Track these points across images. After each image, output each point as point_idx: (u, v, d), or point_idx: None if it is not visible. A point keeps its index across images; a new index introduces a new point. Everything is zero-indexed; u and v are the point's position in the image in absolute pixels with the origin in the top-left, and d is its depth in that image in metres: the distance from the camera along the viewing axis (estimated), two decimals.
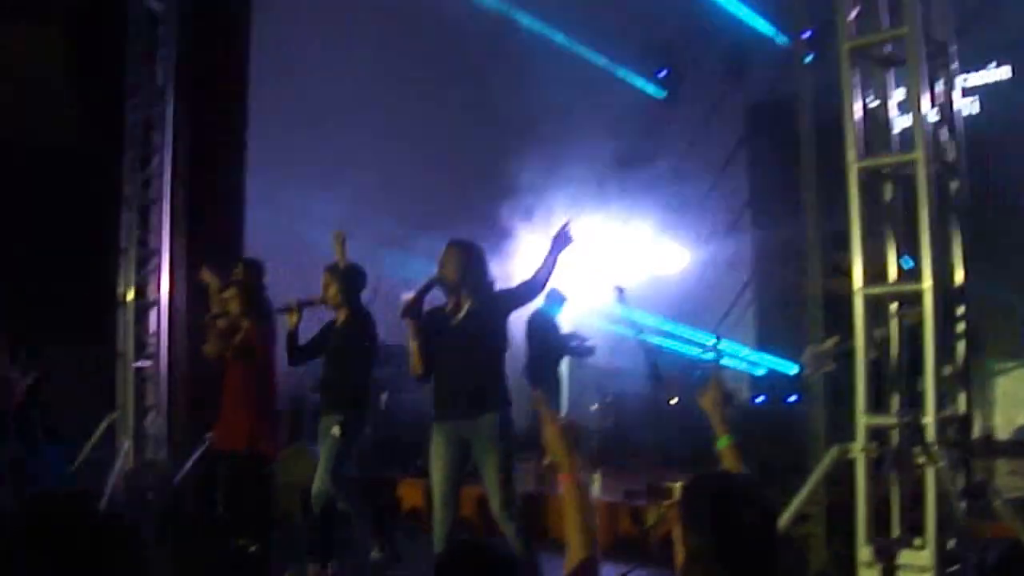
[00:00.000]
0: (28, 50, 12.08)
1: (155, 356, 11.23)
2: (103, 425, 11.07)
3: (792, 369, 13.14)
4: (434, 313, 7.17)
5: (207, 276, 9.07)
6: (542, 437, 3.62)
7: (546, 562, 7.02)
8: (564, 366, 14.27)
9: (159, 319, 11.31)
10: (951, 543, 5.71)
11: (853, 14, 6.07)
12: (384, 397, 13.32)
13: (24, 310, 11.60)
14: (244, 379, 8.66)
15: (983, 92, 13.76)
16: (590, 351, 13.64)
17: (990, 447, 12.24)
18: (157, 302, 11.28)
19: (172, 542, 9.45)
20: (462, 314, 7.05)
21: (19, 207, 12.32)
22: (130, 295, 11.22)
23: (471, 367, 6.93)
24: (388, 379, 13.11)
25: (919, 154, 5.71)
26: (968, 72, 13.69)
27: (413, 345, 7.07)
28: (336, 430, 8.10)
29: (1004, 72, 13.90)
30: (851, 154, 5.94)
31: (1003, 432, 12.38)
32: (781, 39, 13.93)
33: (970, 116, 13.81)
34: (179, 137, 11.43)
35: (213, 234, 11.52)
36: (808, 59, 10.47)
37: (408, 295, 7.19)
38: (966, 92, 13.95)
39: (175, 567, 8.60)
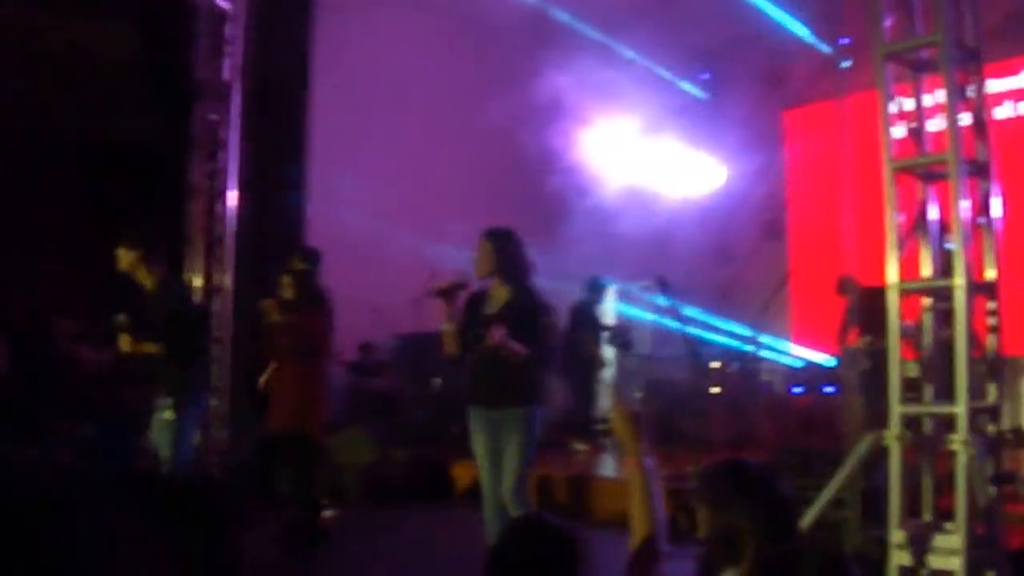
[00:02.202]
0: (101, 48, 12.36)
1: (220, 340, 11.59)
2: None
3: (828, 362, 13.35)
4: (475, 299, 7.25)
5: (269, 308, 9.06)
6: (612, 422, 3.71)
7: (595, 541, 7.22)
8: (609, 354, 14.53)
9: (223, 305, 11.66)
10: (980, 528, 5.82)
11: (888, 21, 6.31)
12: (437, 382, 13.65)
13: (96, 295, 11.96)
14: (295, 363, 8.85)
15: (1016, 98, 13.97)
16: (629, 345, 13.84)
17: (1020, 438, 12.41)
18: (222, 289, 11.62)
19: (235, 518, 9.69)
20: (500, 304, 7.12)
21: (92, 200, 12.73)
22: (197, 282, 11.56)
23: (504, 360, 6.94)
24: (442, 364, 13.42)
25: (950, 154, 5.90)
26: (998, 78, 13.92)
27: (447, 326, 7.09)
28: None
29: None
30: (885, 154, 6.15)
31: None
32: (819, 44, 14.13)
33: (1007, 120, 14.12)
34: (244, 131, 11.72)
35: (276, 224, 11.81)
36: (844, 64, 10.77)
37: (438, 281, 7.31)
38: (997, 96, 14.20)
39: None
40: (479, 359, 7.15)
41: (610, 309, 13.77)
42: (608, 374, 14.58)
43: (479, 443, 7.15)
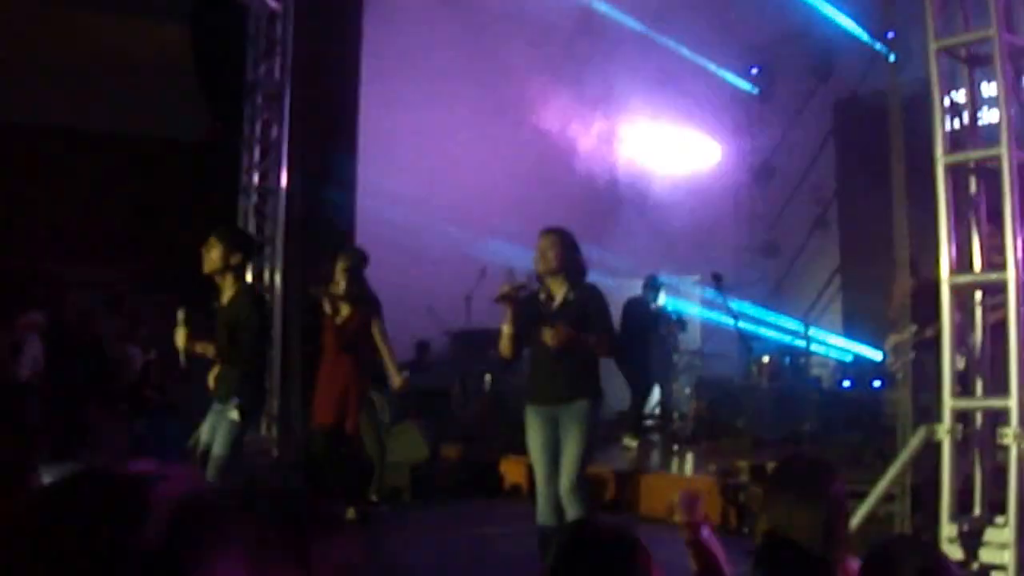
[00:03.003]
0: (153, 48, 12.51)
1: (270, 340, 11.66)
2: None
3: (878, 355, 13.31)
4: (531, 300, 7.23)
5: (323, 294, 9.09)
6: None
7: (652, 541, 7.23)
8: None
9: (274, 303, 11.74)
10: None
11: (941, 15, 6.30)
12: (488, 379, 13.71)
13: (149, 293, 12.12)
14: (339, 359, 8.89)
15: None
16: (682, 324, 13.85)
17: None
18: (273, 286, 11.70)
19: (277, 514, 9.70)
20: (559, 301, 7.14)
21: (145, 196, 12.89)
22: (247, 279, 11.58)
23: (565, 355, 6.99)
24: (492, 361, 13.49)
25: (1004, 149, 5.88)
26: None
27: (507, 329, 7.11)
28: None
29: None
30: (938, 149, 6.10)
31: None
32: (868, 39, 14.09)
33: None
34: (294, 130, 11.80)
35: (326, 222, 11.87)
36: (892, 58, 10.70)
37: (508, 283, 7.30)
38: None
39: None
40: (538, 355, 7.21)
41: (665, 305, 13.72)
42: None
43: (535, 438, 7.15)
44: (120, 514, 1.67)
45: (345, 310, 8.93)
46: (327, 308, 8.95)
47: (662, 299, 13.48)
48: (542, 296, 7.27)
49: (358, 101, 13.17)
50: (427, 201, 13.83)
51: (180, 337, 7.75)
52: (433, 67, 14.35)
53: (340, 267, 9.06)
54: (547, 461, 7.09)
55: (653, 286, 13.36)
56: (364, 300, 9.06)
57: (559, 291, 7.20)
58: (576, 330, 6.99)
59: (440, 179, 14.24)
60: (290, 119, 11.76)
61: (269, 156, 11.75)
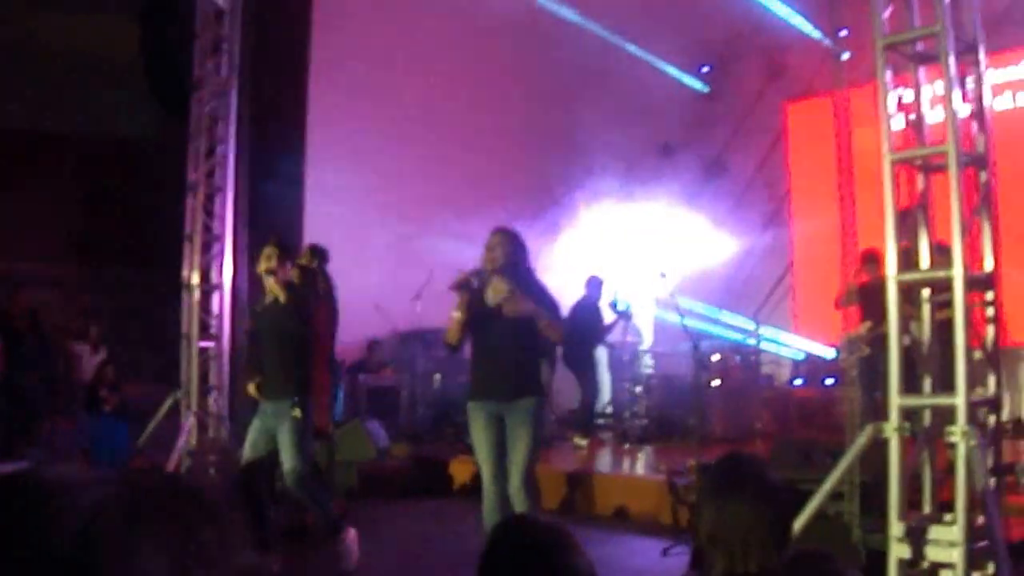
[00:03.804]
0: (98, 44, 12.41)
1: (218, 337, 11.58)
2: (168, 403, 11.42)
3: (830, 353, 13.38)
4: (474, 297, 7.24)
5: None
6: None
7: (584, 537, 7.25)
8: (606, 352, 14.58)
9: (221, 302, 11.61)
10: (979, 519, 5.80)
11: (887, 13, 6.31)
12: (438, 378, 13.67)
13: (95, 291, 12.01)
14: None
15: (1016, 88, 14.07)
16: (627, 315, 13.85)
17: (1019, 429, 12.44)
18: (220, 286, 11.58)
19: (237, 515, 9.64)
20: (503, 297, 7.13)
21: (94, 193, 12.77)
22: (195, 279, 11.48)
23: (510, 352, 7.07)
24: (442, 361, 13.44)
25: (950, 146, 5.89)
26: (999, 69, 13.98)
27: (457, 315, 7.16)
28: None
29: None
30: (885, 146, 6.14)
31: None
32: (819, 37, 14.16)
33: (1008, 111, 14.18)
34: (242, 128, 11.71)
35: (274, 220, 11.81)
36: (844, 56, 10.80)
37: (464, 272, 7.23)
38: (997, 88, 14.25)
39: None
40: (481, 353, 7.26)
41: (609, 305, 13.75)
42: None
43: (480, 436, 7.16)
44: (29, 519, 1.60)
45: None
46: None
47: (609, 297, 13.51)
48: (489, 293, 7.24)
49: (306, 98, 13.14)
50: (375, 199, 13.78)
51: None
52: (382, 65, 14.31)
53: (301, 264, 9.02)
54: (493, 460, 7.10)
55: (596, 285, 13.38)
56: (323, 296, 8.93)
57: (503, 288, 7.18)
58: (522, 328, 7.03)
59: (388, 177, 14.18)
60: (237, 116, 11.65)
61: (216, 153, 11.64)
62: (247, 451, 8.01)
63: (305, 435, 7.88)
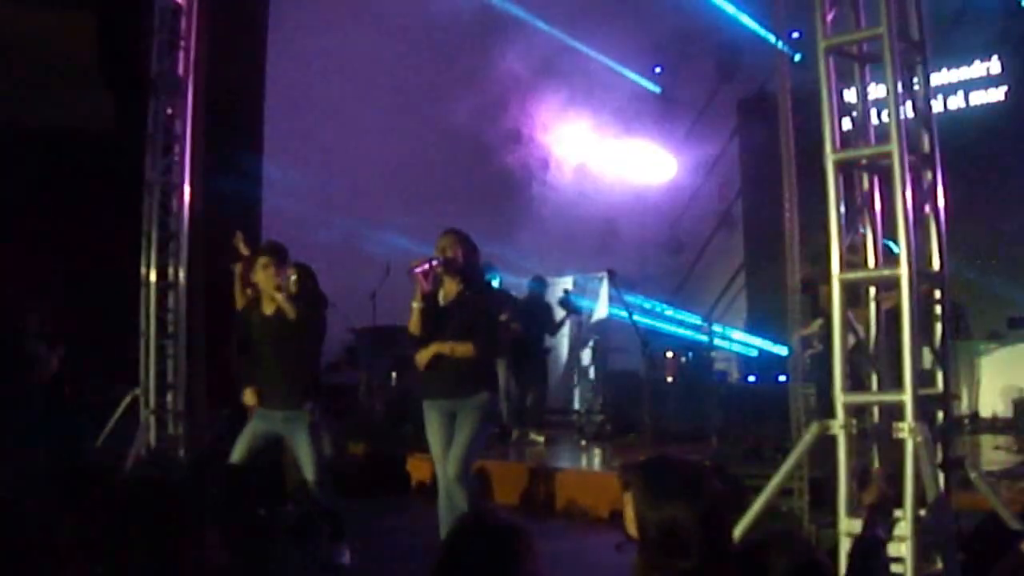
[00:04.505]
0: (58, 37, 12.34)
1: (175, 335, 11.56)
2: (126, 401, 11.40)
3: (783, 350, 13.48)
4: (429, 296, 7.32)
5: (240, 242, 8.99)
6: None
7: (540, 532, 7.33)
8: (563, 345, 14.63)
9: (178, 299, 11.58)
10: (928, 514, 5.86)
11: (830, 15, 6.37)
12: (394, 376, 13.68)
13: (51, 290, 11.93)
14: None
15: (967, 87, 14.27)
16: (578, 310, 13.90)
17: (976, 424, 12.59)
18: (177, 283, 11.58)
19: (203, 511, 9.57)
20: (455, 299, 7.30)
21: (46, 190, 12.68)
22: (152, 276, 11.48)
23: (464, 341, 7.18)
24: (398, 359, 13.44)
25: (894, 146, 5.96)
26: (951, 69, 14.17)
27: (417, 305, 7.26)
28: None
29: (981, 69, 14.41)
30: (828, 146, 6.20)
31: (987, 410, 12.75)
32: (770, 38, 14.24)
33: (959, 110, 14.35)
34: (199, 125, 11.69)
35: (231, 218, 11.75)
36: (797, 57, 10.84)
37: (419, 258, 7.30)
38: (950, 88, 14.42)
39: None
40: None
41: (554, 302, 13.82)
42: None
43: (434, 434, 7.29)
44: None
45: (291, 313, 8.69)
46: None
47: (558, 294, 13.58)
48: (440, 293, 7.37)
49: (263, 96, 13.15)
50: (332, 197, 13.80)
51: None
52: (339, 63, 14.33)
53: (291, 271, 9.01)
54: (444, 457, 7.23)
55: (539, 281, 13.44)
56: (318, 297, 8.80)
57: (454, 289, 7.33)
58: (464, 329, 7.18)
59: (346, 175, 14.20)
60: (194, 114, 11.62)
61: (173, 151, 11.61)
62: (239, 452, 8.00)
63: (319, 441, 7.98)
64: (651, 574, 3.22)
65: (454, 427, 7.20)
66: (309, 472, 7.89)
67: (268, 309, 8.06)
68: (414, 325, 7.35)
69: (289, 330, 7.89)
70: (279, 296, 7.88)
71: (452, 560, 2.94)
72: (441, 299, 7.37)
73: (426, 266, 7.22)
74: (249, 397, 8.22)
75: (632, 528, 3.27)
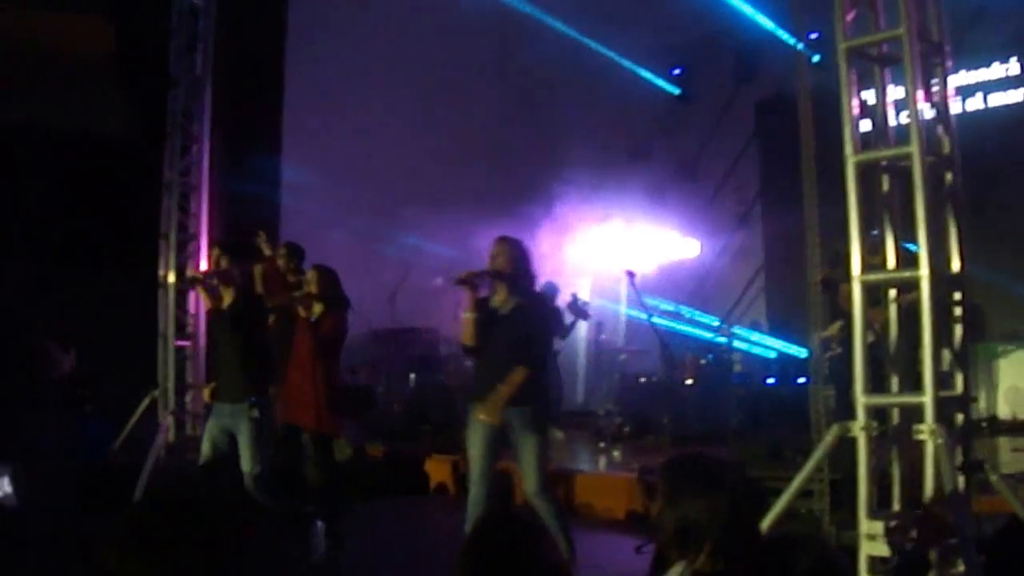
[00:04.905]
0: (76, 40, 12.38)
1: (194, 336, 11.59)
2: (145, 402, 11.44)
3: (802, 353, 13.42)
4: (481, 302, 7.36)
5: (262, 242, 9.09)
6: None
7: (578, 536, 7.40)
8: (581, 351, 14.61)
9: (197, 301, 11.55)
10: (949, 517, 5.84)
11: (850, 16, 6.35)
12: (413, 377, 13.69)
13: (68, 289, 11.97)
14: (316, 361, 8.60)
15: (985, 89, 14.21)
16: (586, 314, 13.88)
17: (994, 426, 12.53)
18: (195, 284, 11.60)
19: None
20: (510, 306, 7.28)
21: (65, 191, 12.71)
22: (171, 277, 11.51)
23: (515, 357, 7.13)
24: (417, 360, 13.46)
25: (914, 148, 5.93)
26: (969, 70, 14.10)
27: (468, 316, 7.26)
28: None
29: (1000, 71, 14.34)
30: (848, 148, 6.18)
31: (1005, 412, 12.70)
32: (789, 39, 14.20)
33: (976, 111, 14.29)
34: (217, 126, 11.73)
35: (249, 219, 11.78)
36: (816, 59, 10.80)
37: (468, 270, 7.32)
38: (969, 89, 14.36)
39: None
40: (488, 355, 7.32)
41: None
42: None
43: (477, 436, 7.22)
44: None
45: (317, 310, 8.69)
46: (300, 310, 8.75)
47: (567, 298, 13.57)
48: (494, 300, 7.39)
49: (282, 97, 13.18)
50: (351, 198, 13.81)
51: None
52: (359, 65, 14.35)
53: (282, 264, 9.05)
54: (485, 457, 7.19)
55: (551, 288, 13.42)
56: (339, 301, 8.88)
57: (505, 297, 7.33)
58: (515, 341, 7.15)
59: (365, 176, 14.22)
60: (213, 115, 11.66)
61: (191, 151, 11.65)
62: (204, 451, 8.07)
63: (262, 437, 7.96)
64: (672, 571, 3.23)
65: (496, 433, 7.17)
66: (245, 464, 7.90)
67: (224, 304, 8.16)
68: (467, 336, 7.34)
69: (230, 323, 8.06)
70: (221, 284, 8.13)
71: (475, 553, 2.93)
72: (495, 304, 7.38)
73: (473, 278, 7.25)
74: (206, 394, 8.48)
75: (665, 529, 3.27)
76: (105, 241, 12.60)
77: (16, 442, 11.26)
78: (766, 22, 14.63)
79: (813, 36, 11.99)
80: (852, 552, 6.09)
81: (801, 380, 13.28)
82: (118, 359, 12.26)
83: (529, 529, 2.96)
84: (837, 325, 9.80)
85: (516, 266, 7.31)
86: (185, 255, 11.63)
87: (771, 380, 14.75)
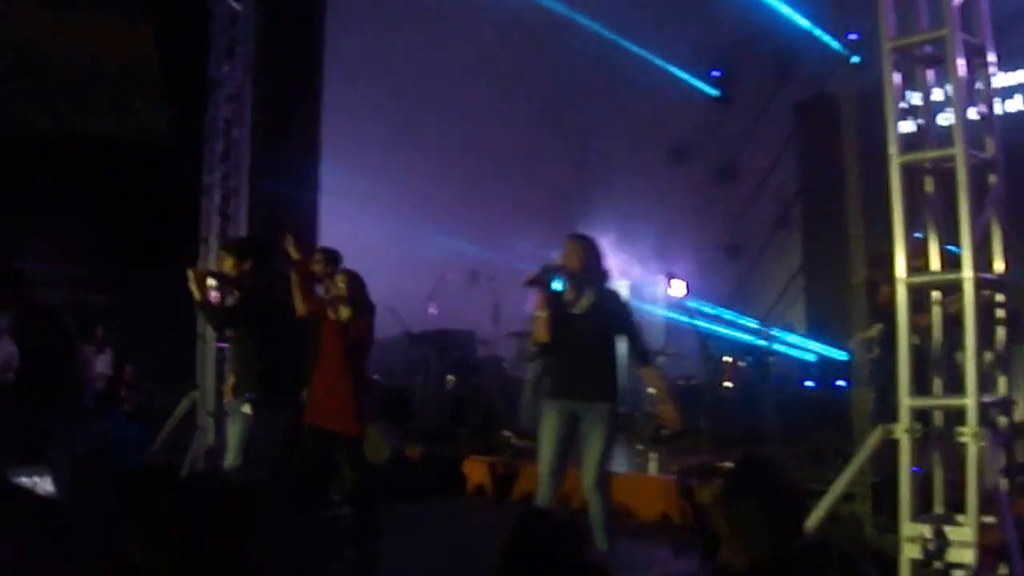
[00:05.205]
0: (114, 48, 12.48)
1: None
2: (185, 404, 11.48)
3: (841, 355, 13.37)
4: (555, 299, 7.50)
5: (290, 245, 8.88)
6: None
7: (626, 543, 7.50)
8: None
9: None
10: (991, 519, 5.81)
11: (894, 16, 6.34)
12: (451, 379, 13.71)
13: (109, 292, 12.07)
14: (344, 362, 8.61)
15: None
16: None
17: None
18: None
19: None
20: (585, 304, 7.42)
21: (106, 196, 12.81)
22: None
23: (590, 355, 7.36)
24: (454, 362, 13.48)
25: (958, 149, 5.91)
26: (1008, 71, 13.98)
27: (541, 315, 7.40)
28: None
29: None
30: (892, 149, 6.16)
31: None
32: (829, 40, 14.15)
33: (1016, 112, 14.17)
34: (257, 131, 11.79)
35: (289, 223, 11.83)
36: (854, 59, 10.80)
37: (538, 269, 7.50)
38: (1008, 91, 14.25)
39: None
40: (563, 353, 7.49)
41: None
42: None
43: (550, 431, 7.37)
44: None
45: (344, 313, 8.76)
46: (330, 312, 8.79)
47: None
48: (568, 296, 7.51)
49: (320, 101, 13.23)
50: (388, 201, 13.85)
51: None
52: (396, 68, 14.41)
53: (318, 269, 9.13)
54: (557, 453, 7.34)
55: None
56: (367, 303, 8.91)
57: (583, 294, 7.46)
58: (602, 332, 7.37)
59: (402, 179, 14.26)
60: (252, 119, 11.71)
61: (231, 156, 11.70)
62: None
63: (252, 433, 8.11)
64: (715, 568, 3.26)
65: (572, 430, 7.33)
66: (228, 456, 8.12)
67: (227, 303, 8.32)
68: (541, 333, 7.48)
69: (237, 322, 8.34)
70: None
71: (517, 550, 3.00)
72: (574, 305, 7.49)
73: (542, 276, 7.43)
74: (226, 391, 8.70)
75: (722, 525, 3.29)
76: (146, 245, 12.69)
77: (53, 443, 11.37)
78: (805, 23, 14.57)
79: (852, 37, 12.05)
80: (892, 556, 6.07)
81: (840, 383, 13.26)
82: (159, 361, 12.34)
83: (571, 528, 3.03)
84: (877, 328, 9.76)
85: (587, 264, 7.45)
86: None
87: (810, 383, 14.68)
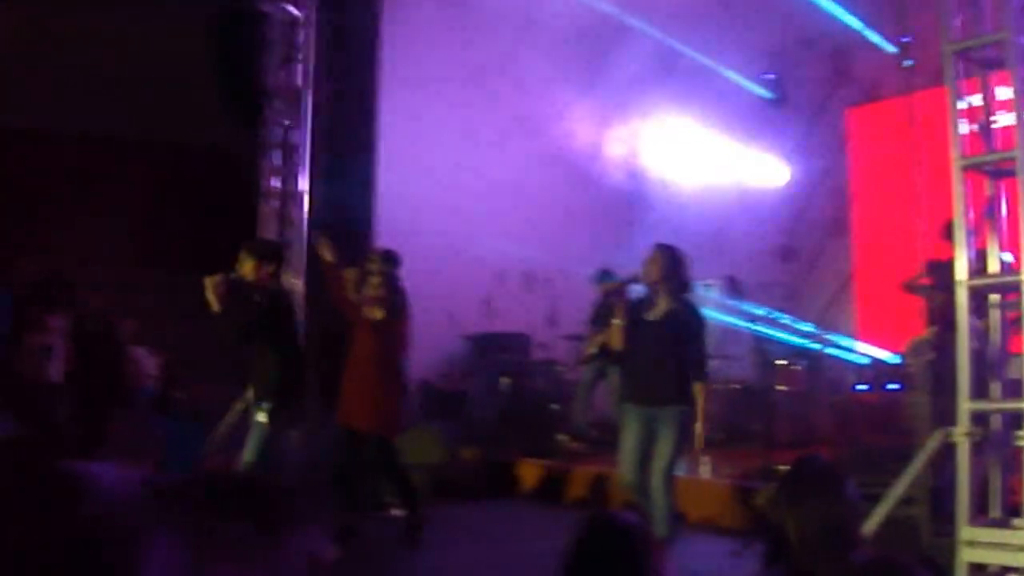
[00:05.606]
0: (174, 55, 12.61)
1: None
2: (239, 406, 11.57)
3: (895, 359, 13.30)
4: (635, 306, 7.92)
5: (323, 248, 8.98)
6: None
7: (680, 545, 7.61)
8: None
9: (296, 307, 11.69)
10: None
11: (957, 19, 6.34)
12: (505, 382, 13.76)
13: (166, 294, 12.19)
14: (378, 363, 8.77)
15: None
16: (743, 293, 13.94)
17: None
18: (293, 291, 11.69)
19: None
20: (662, 312, 7.77)
21: (166, 202, 12.97)
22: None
23: (665, 362, 7.68)
24: (509, 364, 13.53)
25: (1018, 151, 5.92)
26: None
27: (617, 322, 7.82)
28: None
29: None
30: (954, 152, 6.19)
31: None
32: (882, 43, 14.07)
33: None
34: (315, 134, 11.90)
35: (346, 225, 11.93)
36: (907, 63, 10.73)
37: (615, 281, 8.14)
38: None
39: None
40: (637, 359, 7.84)
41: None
42: None
43: (630, 434, 7.75)
44: (50, 505, 1.70)
45: (378, 313, 8.86)
46: (365, 311, 8.88)
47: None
48: (647, 304, 7.88)
49: (377, 105, 13.31)
50: (446, 205, 13.91)
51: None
52: (451, 72, 14.48)
53: (375, 269, 9.18)
54: (636, 453, 7.72)
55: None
56: (399, 307, 9.08)
57: (661, 302, 7.82)
58: (673, 339, 7.70)
59: (458, 183, 14.32)
60: (311, 125, 11.83)
61: (290, 160, 11.81)
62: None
63: (270, 441, 8.11)
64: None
65: (649, 432, 7.66)
66: (245, 453, 8.11)
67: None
68: (615, 340, 7.88)
69: (257, 326, 8.34)
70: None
71: (582, 555, 2.98)
72: (650, 312, 7.85)
73: (622, 286, 7.98)
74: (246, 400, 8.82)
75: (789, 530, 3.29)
76: (204, 249, 12.81)
77: (106, 445, 11.50)
78: (858, 25, 14.50)
79: (905, 40, 11.98)
80: (950, 560, 6.06)
81: (892, 386, 13.19)
82: (214, 363, 12.45)
83: (637, 533, 3.01)
84: (931, 330, 9.73)
85: (667, 273, 7.75)
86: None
87: (862, 386, 14.59)
